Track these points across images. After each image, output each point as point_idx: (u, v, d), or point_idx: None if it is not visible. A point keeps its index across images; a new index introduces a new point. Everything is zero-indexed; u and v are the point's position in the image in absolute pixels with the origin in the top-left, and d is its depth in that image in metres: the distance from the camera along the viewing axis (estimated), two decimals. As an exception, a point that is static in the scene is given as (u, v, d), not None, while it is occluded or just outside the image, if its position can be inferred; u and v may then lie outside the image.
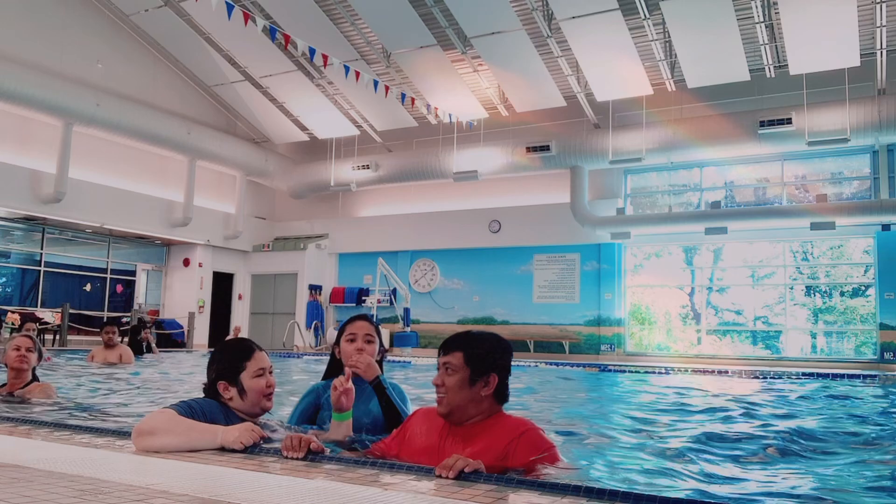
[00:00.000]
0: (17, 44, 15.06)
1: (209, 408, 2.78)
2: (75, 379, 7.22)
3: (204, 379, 3.00)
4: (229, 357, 2.92)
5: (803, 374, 11.09)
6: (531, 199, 17.85)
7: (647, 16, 13.84)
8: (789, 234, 15.52)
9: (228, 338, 3.55)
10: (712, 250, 16.72)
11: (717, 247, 16.55)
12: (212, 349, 3.85)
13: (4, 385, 4.68)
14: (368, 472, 2.26)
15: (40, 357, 4.79)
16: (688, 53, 14.72)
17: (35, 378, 4.78)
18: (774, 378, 10.40)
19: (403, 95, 14.72)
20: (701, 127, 15.26)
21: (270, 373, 2.96)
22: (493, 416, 2.50)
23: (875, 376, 10.53)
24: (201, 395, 2.96)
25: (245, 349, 2.94)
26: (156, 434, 2.54)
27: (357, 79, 13.08)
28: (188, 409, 2.68)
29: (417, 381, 8.71)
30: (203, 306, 19.08)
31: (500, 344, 2.57)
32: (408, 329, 18.07)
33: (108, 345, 9.16)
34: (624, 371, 11.62)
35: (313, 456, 2.41)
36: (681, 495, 2.31)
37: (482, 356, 2.49)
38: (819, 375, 10.88)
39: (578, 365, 13.04)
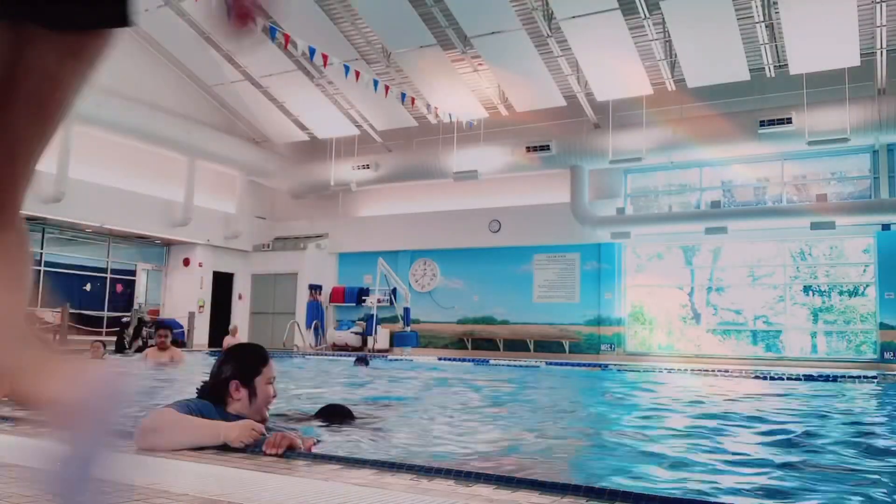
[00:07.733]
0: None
1: (205, 408, 2.80)
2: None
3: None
4: (249, 359, 2.98)
5: (803, 374, 11.07)
6: (531, 199, 17.84)
7: (647, 15, 13.83)
8: (789, 233, 15.51)
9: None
10: (712, 250, 16.71)
11: (716, 246, 16.54)
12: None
13: None
14: (369, 471, 2.26)
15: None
16: (688, 53, 14.72)
17: None
18: (774, 378, 10.40)
19: (403, 95, 14.72)
20: (701, 127, 15.25)
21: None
22: None
23: (875, 376, 10.52)
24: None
25: (263, 355, 3.02)
26: (160, 431, 2.57)
27: (357, 78, 13.09)
28: (186, 409, 2.72)
29: (420, 380, 8.70)
30: (203, 306, 19.07)
31: None
32: (408, 329, 18.07)
33: (161, 347, 9.52)
34: (624, 371, 11.61)
35: (290, 454, 2.49)
36: (681, 495, 2.31)
37: None
38: (819, 375, 10.86)
39: (579, 365, 13.04)
